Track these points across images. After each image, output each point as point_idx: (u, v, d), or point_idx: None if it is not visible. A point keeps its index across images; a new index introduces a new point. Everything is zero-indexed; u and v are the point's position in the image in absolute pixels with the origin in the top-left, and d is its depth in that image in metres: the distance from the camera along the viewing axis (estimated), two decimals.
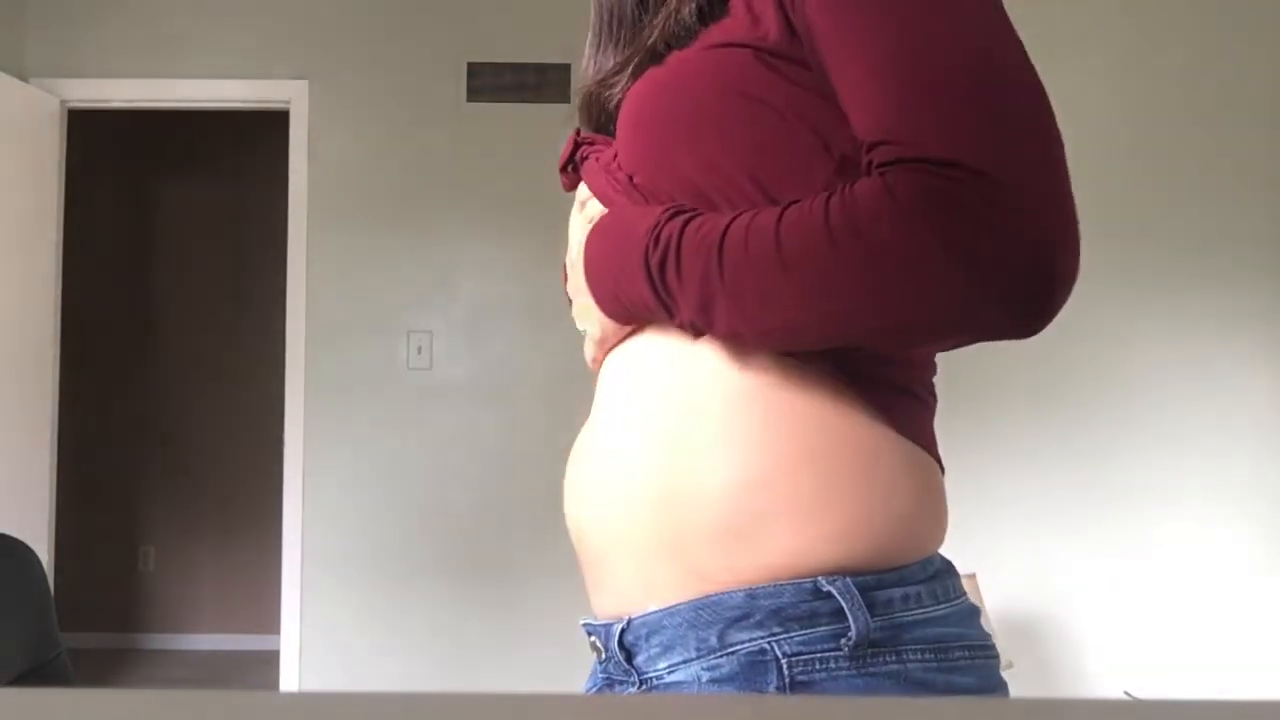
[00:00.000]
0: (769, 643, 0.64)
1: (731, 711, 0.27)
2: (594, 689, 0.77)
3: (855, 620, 0.63)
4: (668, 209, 0.67)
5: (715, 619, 0.66)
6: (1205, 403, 3.11)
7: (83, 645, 4.58)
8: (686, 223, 0.65)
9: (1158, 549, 3.08)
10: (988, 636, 0.71)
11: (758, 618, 0.64)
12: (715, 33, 0.71)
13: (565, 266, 0.82)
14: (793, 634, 0.64)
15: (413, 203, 3.30)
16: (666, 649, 0.68)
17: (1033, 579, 3.05)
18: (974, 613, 0.71)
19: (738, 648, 0.65)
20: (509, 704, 0.25)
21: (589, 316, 0.76)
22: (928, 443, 0.71)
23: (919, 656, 0.65)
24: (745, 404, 0.66)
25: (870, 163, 0.60)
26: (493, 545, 3.24)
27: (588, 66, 0.86)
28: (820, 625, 0.64)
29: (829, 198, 0.60)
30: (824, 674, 0.64)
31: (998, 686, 0.70)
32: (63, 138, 3.40)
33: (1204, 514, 3.09)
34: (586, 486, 0.75)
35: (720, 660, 0.66)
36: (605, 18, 0.85)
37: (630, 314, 0.71)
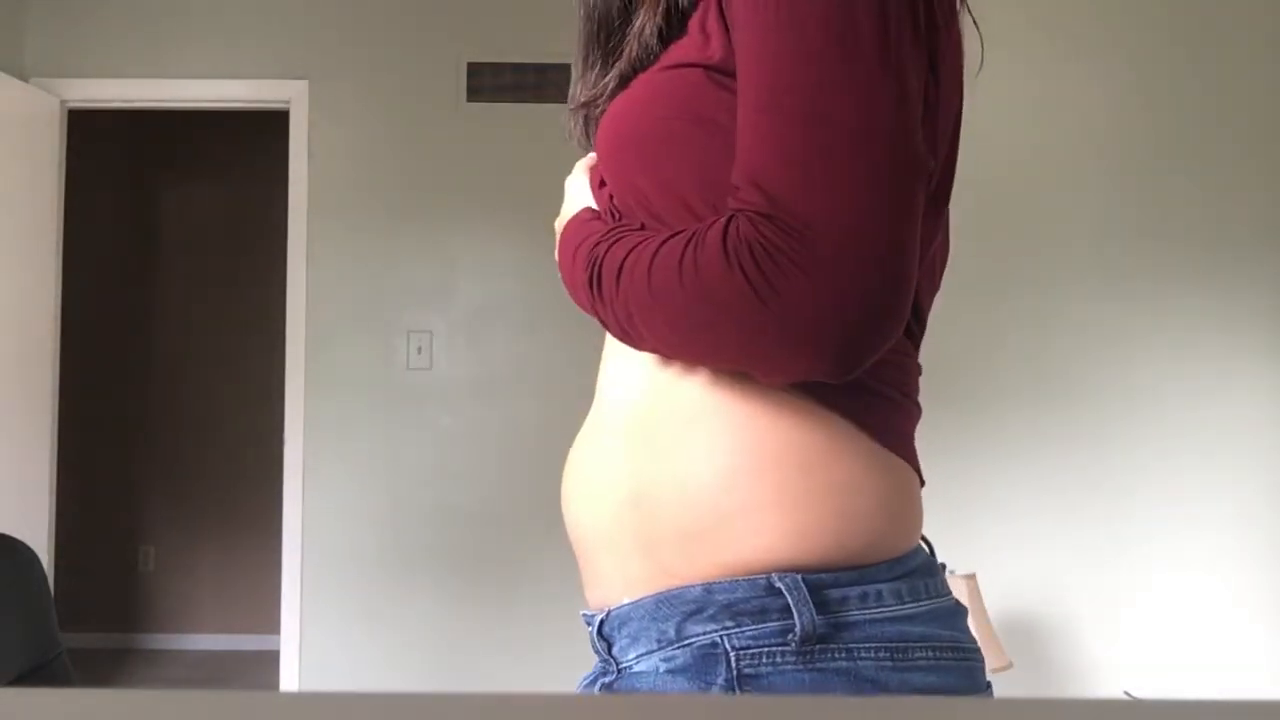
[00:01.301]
0: (720, 636, 0.67)
1: (731, 712, 0.27)
2: (589, 679, 0.79)
3: (800, 616, 0.65)
4: (609, 229, 0.72)
5: (673, 612, 0.69)
6: (1206, 402, 3.11)
7: (83, 645, 4.58)
8: (610, 246, 0.70)
9: (1158, 549, 3.08)
10: (964, 638, 0.71)
11: (711, 611, 0.67)
12: (673, 52, 0.73)
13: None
14: (744, 628, 0.66)
15: (413, 203, 3.30)
16: (634, 640, 0.72)
17: (1033, 579, 3.05)
18: (953, 613, 0.72)
19: (692, 640, 0.68)
20: (509, 704, 0.25)
21: None
22: (898, 445, 0.72)
23: (871, 655, 0.66)
24: (705, 409, 0.69)
25: (727, 204, 0.63)
26: (493, 545, 3.24)
27: (578, 77, 0.88)
28: (770, 621, 0.66)
29: (690, 236, 0.63)
30: (770, 668, 0.65)
31: (970, 689, 0.70)
32: (63, 138, 3.40)
33: (1204, 514, 3.09)
34: (577, 486, 0.79)
35: (676, 652, 0.68)
36: (593, 28, 0.86)
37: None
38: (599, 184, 0.79)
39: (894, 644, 0.67)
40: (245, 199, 4.80)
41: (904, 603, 0.68)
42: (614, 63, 0.81)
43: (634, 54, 0.76)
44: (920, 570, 0.71)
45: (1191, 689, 3.02)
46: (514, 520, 3.22)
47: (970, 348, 3.08)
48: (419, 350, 3.28)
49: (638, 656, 0.71)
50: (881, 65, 0.60)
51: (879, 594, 0.67)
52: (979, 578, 2.63)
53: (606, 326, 0.71)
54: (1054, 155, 3.16)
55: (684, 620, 0.68)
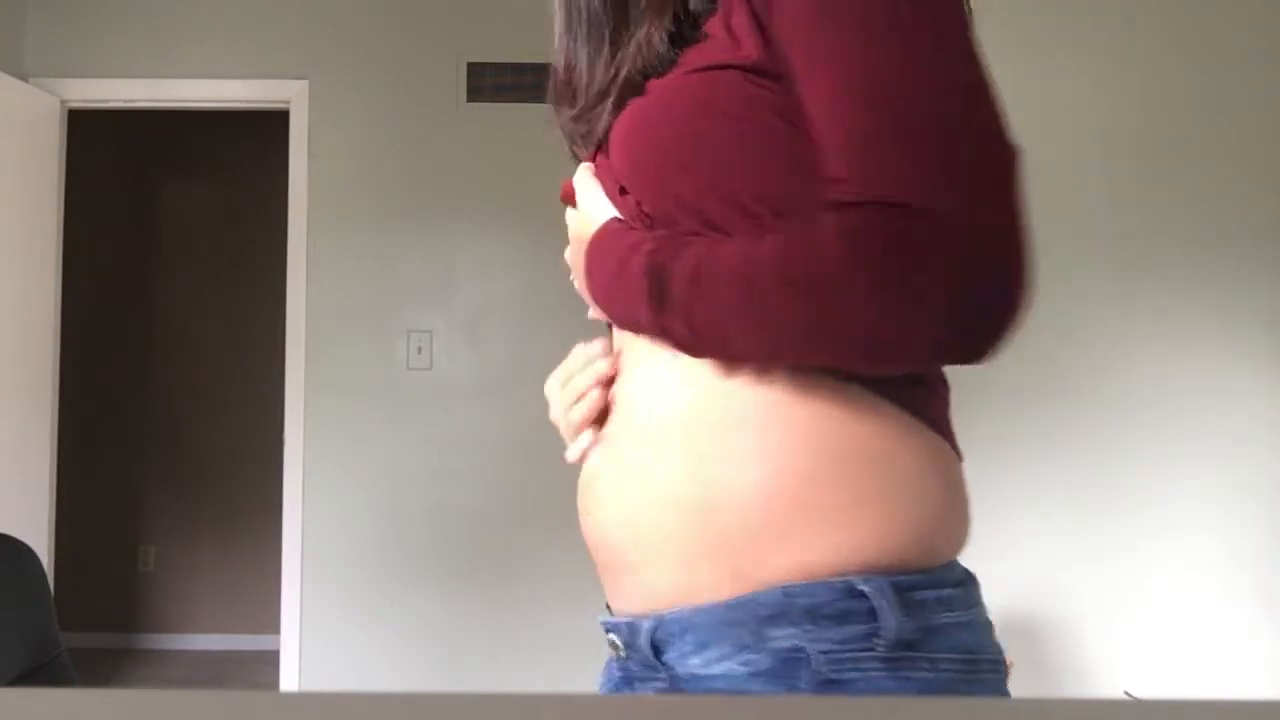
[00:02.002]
0: (802, 641, 0.65)
1: (732, 712, 0.27)
2: (610, 685, 0.77)
3: (886, 620, 0.64)
4: (664, 237, 0.70)
5: (749, 616, 0.67)
6: (1206, 402, 3.11)
7: (83, 645, 4.58)
8: (676, 254, 0.68)
9: (1158, 549, 3.08)
10: (1001, 650, 0.72)
11: (792, 615, 0.66)
12: (694, 56, 0.72)
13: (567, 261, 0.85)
14: (826, 632, 0.65)
15: (413, 202, 3.30)
16: (701, 645, 0.69)
17: (1032, 579, 3.05)
18: (991, 624, 0.72)
19: (773, 644, 0.66)
20: (508, 704, 0.25)
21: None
22: (946, 431, 0.72)
23: (950, 665, 0.65)
24: (771, 410, 0.68)
25: (827, 199, 0.62)
26: (493, 545, 3.24)
27: (560, 67, 0.87)
28: (853, 624, 0.65)
29: (789, 236, 0.63)
30: (856, 673, 0.65)
31: None
32: (63, 138, 3.40)
33: (1204, 514, 3.09)
34: (606, 494, 0.76)
35: (756, 656, 0.67)
36: (576, 17, 0.85)
37: (639, 332, 0.75)
38: (619, 192, 0.77)
39: (968, 654, 0.67)
40: (245, 199, 4.80)
41: (970, 608, 0.68)
42: (614, 68, 0.79)
43: (644, 61, 0.75)
44: (969, 577, 0.71)
45: (1191, 689, 3.02)
46: (514, 520, 3.22)
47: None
48: (419, 350, 3.28)
49: (705, 662, 0.69)
50: (970, 58, 0.63)
51: (951, 598, 0.67)
52: (979, 578, 2.63)
53: (668, 336, 0.69)
54: (1054, 155, 3.16)
55: (762, 624, 0.67)
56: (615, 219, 0.76)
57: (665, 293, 0.68)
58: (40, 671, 1.17)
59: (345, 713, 0.24)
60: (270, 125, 3.75)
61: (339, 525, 3.24)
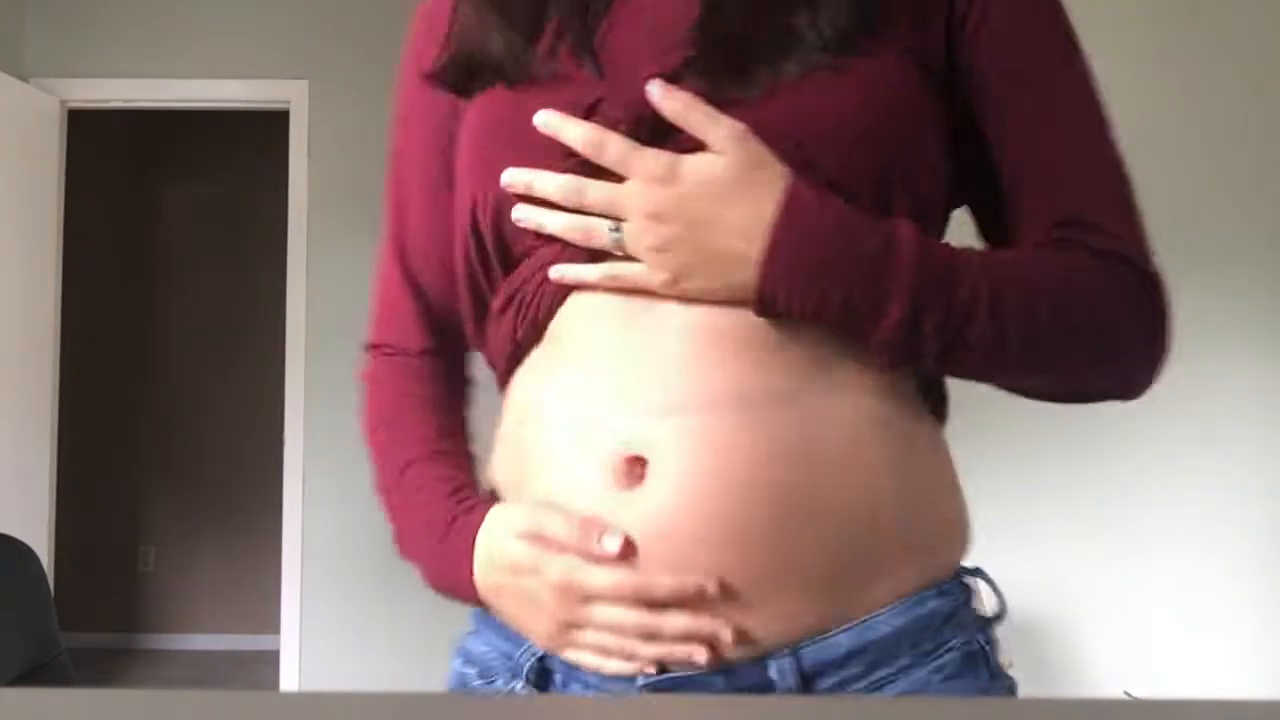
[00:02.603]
0: (976, 639, 0.71)
1: (732, 712, 0.27)
2: None
3: (1000, 607, 0.76)
4: (900, 224, 0.65)
5: (923, 624, 0.69)
6: (1206, 402, 3.11)
7: (83, 645, 4.58)
8: (991, 274, 0.67)
9: (1157, 549, 3.08)
10: None
11: (960, 617, 0.71)
12: (882, 33, 0.68)
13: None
14: (982, 629, 0.73)
15: None
16: (874, 665, 0.67)
17: (1033, 579, 3.05)
18: None
19: (953, 645, 0.70)
20: (508, 705, 0.25)
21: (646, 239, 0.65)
22: None
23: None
24: (885, 428, 0.69)
25: (1067, 238, 0.70)
26: None
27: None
28: (981, 620, 0.75)
29: (1091, 268, 0.70)
30: (999, 657, 0.75)
31: None
32: (63, 138, 3.40)
33: (1204, 514, 3.09)
34: (711, 531, 0.65)
35: (944, 660, 0.69)
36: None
37: (818, 317, 0.65)
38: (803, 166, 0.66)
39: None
40: (245, 199, 4.80)
41: None
42: (791, 24, 0.67)
43: (844, 24, 0.67)
44: None
45: (1191, 689, 3.02)
46: None
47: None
48: None
49: (887, 676, 0.67)
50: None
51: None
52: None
53: (934, 339, 0.65)
54: None
55: (940, 628, 0.69)
56: (812, 188, 0.65)
57: (956, 294, 0.64)
58: (40, 671, 1.17)
59: (345, 713, 0.24)
60: (270, 125, 3.75)
61: (339, 525, 3.24)
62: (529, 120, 0.67)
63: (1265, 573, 3.07)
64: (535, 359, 0.73)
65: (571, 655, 0.67)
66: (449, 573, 0.74)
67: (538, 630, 0.68)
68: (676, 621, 0.63)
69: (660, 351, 0.66)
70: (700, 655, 0.63)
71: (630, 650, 0.64)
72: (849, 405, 0.67)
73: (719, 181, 0.64)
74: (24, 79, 3.31)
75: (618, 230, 0.65)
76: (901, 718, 0.26)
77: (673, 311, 0.66)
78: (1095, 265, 0.70)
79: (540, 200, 0.67)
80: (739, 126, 0.64)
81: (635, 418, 0.65)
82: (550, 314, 0.70)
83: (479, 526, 0.71)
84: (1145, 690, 2.99)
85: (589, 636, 0.65)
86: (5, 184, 3.13)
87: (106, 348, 4.81)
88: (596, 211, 0.66)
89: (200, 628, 4.76)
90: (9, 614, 1.15)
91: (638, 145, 0.65)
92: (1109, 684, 3.02)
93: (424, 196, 0.82)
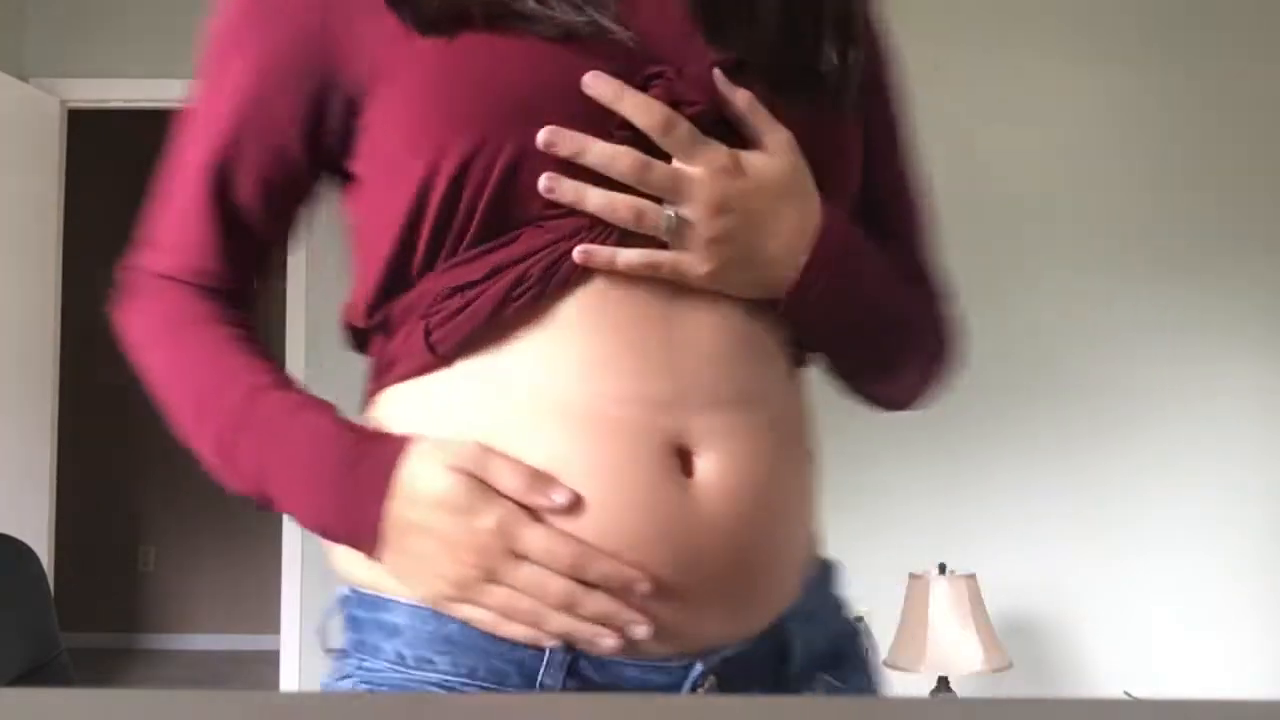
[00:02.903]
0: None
1: (735, 712, 0.27)
2: None
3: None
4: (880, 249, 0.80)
5: (828, 593, 0.78)
6: (1206, 402, 3.11)
7: (83, 645, 4.57)
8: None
9: (1158, 549, 3.08)
10: None
11: (839, 583, 0.80)
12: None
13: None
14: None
15: None
16: (809, 618, 0.73)
17: (1033, 579, 3.05)
18: None
19: (844, 606, 0.79)
20: (507, 705, 0.25)
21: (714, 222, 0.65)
22: None
23: None
24: (807, 450, 0.76)
25: (935, 284, 0.83)
26: None
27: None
28: None
29: (939, 305, 0.84)
30: None
31: None
32: (63, 138, 3.40)
33: (1204, 514, 3.09)
34: (671, 497, 0.64)
35: (845, 614, 0.79)
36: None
37: (842, 322, 0.73)
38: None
39: None
40: None
41: None
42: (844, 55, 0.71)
43: (852, 84, 0.73)
44: None
45: (1191, 689, 3.02)
46: None
47: (970, 348, 3.07)
48: None
49: (819, 635, 0.75)
50: None
51: None
52: (979, 578, 2.63)
53: (884, 361, 0.80)
54: (1055, 158, 3.16)
55: (835, 593, 0.79)
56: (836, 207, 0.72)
57: (911, 313, 0.81)
58: (40, 671, 1.17)
59: (345, 713, 0.24)
60: None
61: None
62: (564, 74, 0.62)
63: (1265, 573, 3.07)
64: (529, 337, 0.65)
65: (465, 611, 0.62)
66: (351, 508, 0.64)
67: (441, 578, 0.62)
68: (599, 601, 0.60)
69: (698, 346, 0.65)
70: (609, 642, 0.61)
71: (541, 618, 0.61)
72: (802, 404, 0.74)
73: (778, 184, 0.66)
74: (24, 79, 3.31)
75: (673, 216, 0.63)
76: (901, 717, 0.26)
77: (700, 306, 0.65)
78: (947, 305, 0.84)
79: (569, 168, 0.62)
80: (790, 135, 0.66)
81: (679, 411, 0.64)
82: (557, 293, 0.64)
83: (398, 455, 0.63)
84: (1145, 690, 2.98)
85: (498, 594, 0.61)
86: (5, 184, 3.13)
87: (106, 348, 4.79)
88: (650, 193, 0.63)
89: (200, 628, 4.76)
90: (9, 614, 1.15)
91: (701, 133, 0.64)
92: (1109, 684, 3.02)
93: (270, 113, 0.71)
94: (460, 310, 0.65)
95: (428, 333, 0.66)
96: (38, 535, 3.16)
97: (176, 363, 0.75)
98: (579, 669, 0.63)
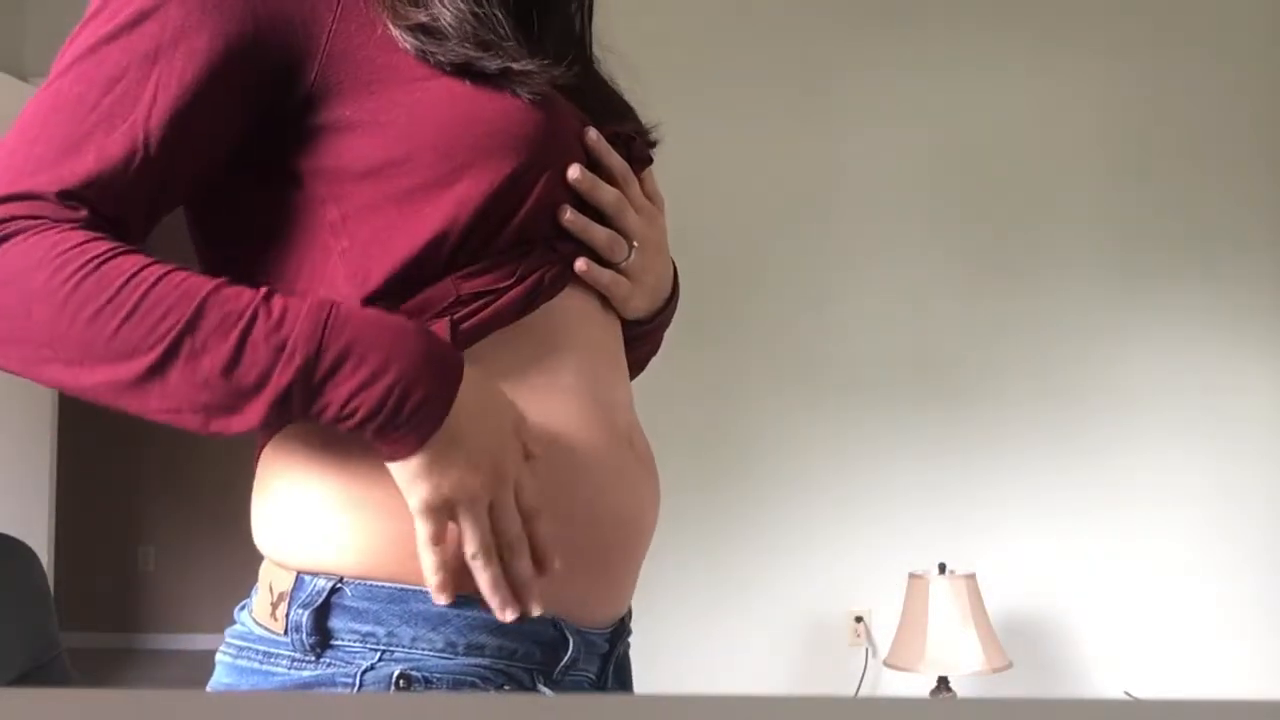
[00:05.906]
0: None
1: (733, 711, 0.27)
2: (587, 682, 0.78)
3: None
4: None
5: None
6: (1206, 402, 3.11)
7: (83, 645, 4.58)
8: None
9: (1158, 549, 3.08)
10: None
11: None
12: None
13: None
14: None
15: None
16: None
17: (1033, 579, 3.05)
18: None
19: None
20: (507, 705, 0.25)
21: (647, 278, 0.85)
22: None
23: None
24: None
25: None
26: None
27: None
28: None
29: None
30: None
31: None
32: None
33: (1204, 514, 3.09)
34: (638, 480, 0.80)
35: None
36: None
37: (660, 310, 0.88)
38: None
39: None
40: None
41: None
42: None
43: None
44: None
45: (1191, 689, 3.02)
46: None
47: (969, 347, 3.08)
48: None
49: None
50: None
51: None
52: (979, 578, 2.63)
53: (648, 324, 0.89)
54: (1054, 154, 3.16)
55: None
56: None
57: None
58: (40, 671, 1.17)
59: (345, 713, 0.24)
60: None
61: None
62: (569, 123, 0.77)
63: (1266, 572, 3.07)
64: (514, 336, 0.73)
65: (431, 525, 0.65)
66: (438, 390, 0.64)
67: (476, 478, 0.65)
68: (522, 566, 0.67)
69: (618, 355, 0.83)
70: (509, 614, 0.66)
71: (484, 556, 0.65)
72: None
73: (663, 231, 0.87)
74: (24, 79, 3.31)
75: (630, 253, 0.81)
76: (901, 717, 0.26)
77: (615, 322, 0.82)
78: None
79: (574, 201, 0.77)
80: None
81: (626, 408, 0.81)
82: (544, 300, 0.75)
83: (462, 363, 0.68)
84: (1145, 690, 2.99)
85: (475, 512, 0.65)
86: None
87: None
88: (621, 230, 0.80)
89: (200, 628, 4.76)
90: (9, 614, 1.15)
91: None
92: (1109, 684, 3.02)
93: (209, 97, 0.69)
94: (486, 308, 0.72)
95: (454, 326, 0.70)
96: (38, 535, 3.17)
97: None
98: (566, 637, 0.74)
